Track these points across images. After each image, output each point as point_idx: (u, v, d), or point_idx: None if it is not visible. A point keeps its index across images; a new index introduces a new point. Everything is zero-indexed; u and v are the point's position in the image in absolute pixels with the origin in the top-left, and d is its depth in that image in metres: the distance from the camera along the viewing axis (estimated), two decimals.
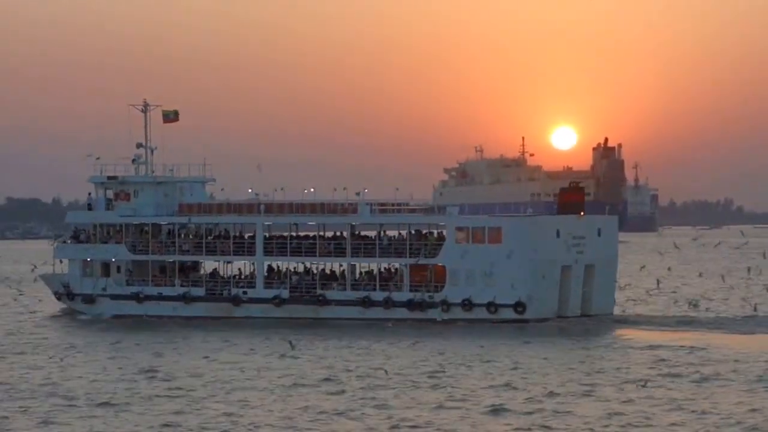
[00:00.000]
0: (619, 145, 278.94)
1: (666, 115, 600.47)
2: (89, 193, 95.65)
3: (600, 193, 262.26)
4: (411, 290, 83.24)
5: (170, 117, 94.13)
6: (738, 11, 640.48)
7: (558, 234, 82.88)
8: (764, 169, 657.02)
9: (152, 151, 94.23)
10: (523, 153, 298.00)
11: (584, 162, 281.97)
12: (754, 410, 45.74)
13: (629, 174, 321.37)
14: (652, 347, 68.91)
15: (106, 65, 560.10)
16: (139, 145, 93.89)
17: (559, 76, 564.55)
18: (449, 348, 68.15)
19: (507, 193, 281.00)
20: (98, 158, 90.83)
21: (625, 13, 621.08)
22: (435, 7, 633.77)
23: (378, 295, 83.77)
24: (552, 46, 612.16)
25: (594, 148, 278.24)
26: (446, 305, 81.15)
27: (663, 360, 62.24)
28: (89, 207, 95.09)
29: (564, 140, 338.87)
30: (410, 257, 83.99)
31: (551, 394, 49.96)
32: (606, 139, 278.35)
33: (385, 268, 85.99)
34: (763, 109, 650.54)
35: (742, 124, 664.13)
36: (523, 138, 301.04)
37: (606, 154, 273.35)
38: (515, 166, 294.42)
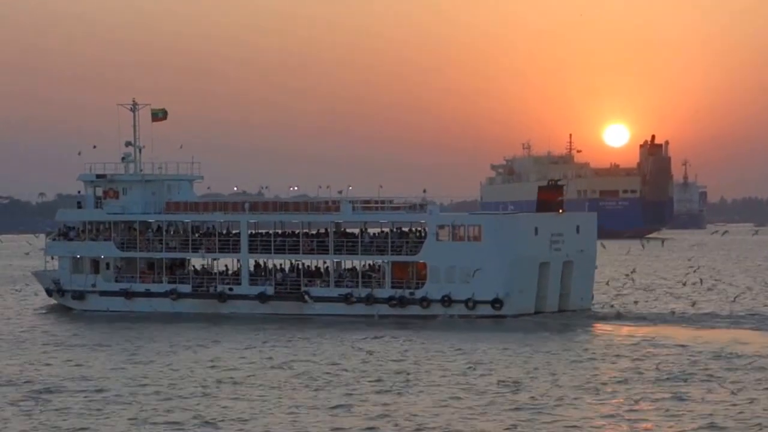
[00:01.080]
0: (666, 143, 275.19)
1: (718, 112, 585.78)
2: (79, 191, 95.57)
3: (646, 190, 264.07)
4: (392, 287, 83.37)
5: (159, 116, 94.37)
6: None
7: (536, 231, 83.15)
8: None
9: (140, 150, 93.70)
10: (570, 150, 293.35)
11: (633, 159, 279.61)
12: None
13: (677, 171, 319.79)
14: (610, 342, 68.96)
15: (96, 61, 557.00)
16: (127, 144, 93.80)
17: (609, 74, 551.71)
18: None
19: None
20: (80, 153, 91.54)
21: (675, 9, 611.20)
22: (483, 2, 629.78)
23: (361, 292, 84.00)
24: (602, 43, 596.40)
25: (641, 146, 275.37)
26: (427, 302, 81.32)
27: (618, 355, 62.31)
28: (78, 205, 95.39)
29: (616, 137, 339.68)
30: (392, 254, 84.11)
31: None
32: (653, 137, 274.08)
33: (369, 265, 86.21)
34: None
35: None
36: (570, 135, 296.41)
37: (653, 151, 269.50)
38: (562, 163, 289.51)
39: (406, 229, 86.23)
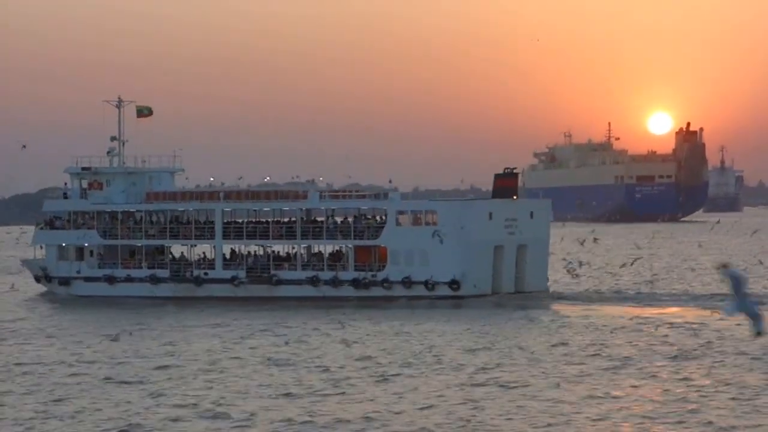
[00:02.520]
0: (701, 129, 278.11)
1: (759, 99, 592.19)
2: (65, 183, 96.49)
3: (681, 175, 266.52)
4: (356, 270, 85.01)
5: (144, 113, 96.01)
6: None
7: (491, 216, 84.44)
8: None
9: (124, 144, 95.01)
10: (609, 137, 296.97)
11: (664, 146, 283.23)
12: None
13: (714, 157, 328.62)
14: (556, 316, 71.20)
15: (84, 59, 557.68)
16: (112, 138, 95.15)
17: (652, 64, 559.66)
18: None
19: (592, 175, 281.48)
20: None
21: (710, 2, 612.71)
22: None
23: (326, 275, 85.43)
24: (644, 34, 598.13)
25: (677, 133, 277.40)
26: (388, 283, 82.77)
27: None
28: (65, 196, 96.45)
29: (659, 126, 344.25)
30: (355, 239, 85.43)
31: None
32: (688, 124, 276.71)
33: (336, 250, 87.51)
34: None
35: None
36: (609, 123, 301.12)
37: (687, 138, 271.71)
38: (601, 150, 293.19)
39: (370, 216, 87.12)
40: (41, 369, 53.19)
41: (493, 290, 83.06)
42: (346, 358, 54.86)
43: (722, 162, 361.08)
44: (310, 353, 57.02)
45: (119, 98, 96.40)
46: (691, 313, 72.60)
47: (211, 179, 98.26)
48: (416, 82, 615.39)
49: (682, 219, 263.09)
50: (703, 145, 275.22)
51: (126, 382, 49.37)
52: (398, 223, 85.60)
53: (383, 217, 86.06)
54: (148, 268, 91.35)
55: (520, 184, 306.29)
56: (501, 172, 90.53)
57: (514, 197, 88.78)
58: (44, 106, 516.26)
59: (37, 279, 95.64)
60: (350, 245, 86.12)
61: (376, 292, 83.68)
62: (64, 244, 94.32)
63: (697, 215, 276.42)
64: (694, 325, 64.94)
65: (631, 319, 68.68)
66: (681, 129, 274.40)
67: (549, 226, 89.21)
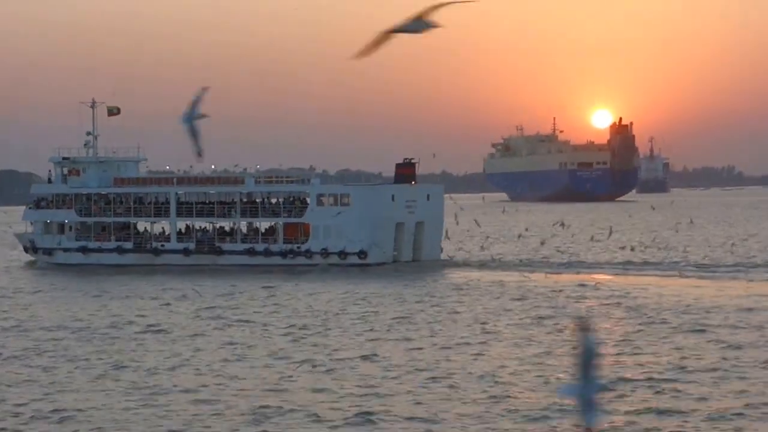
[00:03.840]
0: (631, 123, 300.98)
1: (685, 98, 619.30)
2: (49, 170, 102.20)
3: (614, 162, 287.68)
4: (285, 242, 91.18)
5: (113, 112, 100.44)
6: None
7: (393, 198, 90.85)
8: (761, 138, 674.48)
9: (96, 138, 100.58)
10: (554, 130, 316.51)
11: (602, 137, 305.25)
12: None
13: (644, 146, 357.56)
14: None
15: (64, 64, 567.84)
16: (88, 133, 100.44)
17: (592, 68, 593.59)
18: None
19: (541, 162, 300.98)
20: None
21: (644, 15, 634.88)
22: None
23: (260, 247, 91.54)
24: (587, 43, 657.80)
25: (611, 126, 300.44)
26: (309, 254, 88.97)
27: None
28: (49, 180, 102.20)
29: (601, 120, 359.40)
30: (284, 217, 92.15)
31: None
32: (620, 119, 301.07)
33: (270, 226, 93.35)
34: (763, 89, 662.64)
35: (745, 102, 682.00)
36: (554, 118, 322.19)
37: (620, 131, 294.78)
38: (548, 141, 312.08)
39: (296, 198, 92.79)
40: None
41: (395, 259, 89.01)
42: (273, 314, 60.60)
43: (651, 151, 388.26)
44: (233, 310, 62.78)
45: (93, 100, 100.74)
46: (568, 278, 77.81)
47: (167, 167, 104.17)
48: (381, 78, 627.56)
49: (617, 199, 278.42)
50: (633, 136, 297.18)
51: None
52: (320, 204, 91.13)
53: (306, 199, 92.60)
54: (116, 240, 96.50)
55: (480, 170, 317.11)
56: (401, 161, 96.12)
57: (413, 183, 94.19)
58: (32, 104, 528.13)
59: (26, 249, 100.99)
60: (281, 222, 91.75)
61: (300, 260, 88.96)
62: (48, 221, 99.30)
63: (630, 195, 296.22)
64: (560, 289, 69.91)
65: (517, 283, 73.91)
66: (614, 123, 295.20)
67: (443, 207, 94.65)
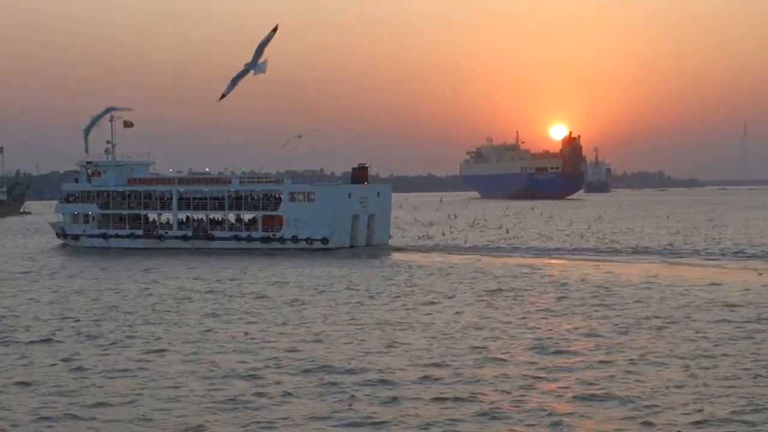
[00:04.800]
0: (579, 136, 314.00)
1: (624, 115, 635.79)
2: (77, 171, 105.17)
3: (566, 167, 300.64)
4: (263, 230, 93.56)
5: (128, 125, 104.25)
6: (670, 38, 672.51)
7: (350, 195, 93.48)
8: (684, 148, 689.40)
9: (114, 146, 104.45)
10: (517, 141, 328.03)
11: (557, 147, 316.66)
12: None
13: (590, 154, 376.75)
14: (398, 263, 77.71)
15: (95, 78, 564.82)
16: (107, 142, 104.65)
17: (551, 89, 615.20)
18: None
19: (506, 167, 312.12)
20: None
21: (594, 45, 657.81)
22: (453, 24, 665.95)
23: (244, 234, 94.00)
24: (547, 66, 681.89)
25: (563, 139, 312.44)
26: (283, 240, 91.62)
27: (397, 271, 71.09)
28: (76, 180, 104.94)
29: (557, 133, 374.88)
30: (263, 210, 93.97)
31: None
32: (570, 132, 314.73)
33: (252, 217, 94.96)
34: (688, 105, 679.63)
35: (673, 120, 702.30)
36: (517, 132, 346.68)
37: (570, 142, 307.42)
38: (512, 150, 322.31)
39: (272, 195, 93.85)
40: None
41: (351, 244, 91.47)
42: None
43: (596, 158, 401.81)
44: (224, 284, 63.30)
45: (111, 115, 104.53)
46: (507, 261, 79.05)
47: (170, 170, 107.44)
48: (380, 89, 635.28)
49: (567, 197, 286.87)
50: (580, 147, 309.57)
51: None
52: (292, 200, 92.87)
53: (280, 196, 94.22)
54: (129, 228, 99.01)
55: (457, 173, 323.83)
56: (356, 166, 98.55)
57: (366, 183, 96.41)
58: (62, 114, 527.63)
59: (58, 235, 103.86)
60: (260, 214, 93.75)
61: (275, 245, 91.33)
62: (75, 213, 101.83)
63: (578, 195, 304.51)
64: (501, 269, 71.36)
65: (451, 265, 75.30)
66: (565, 136, 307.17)
67: (390, 202, 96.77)
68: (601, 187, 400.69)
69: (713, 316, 46.75)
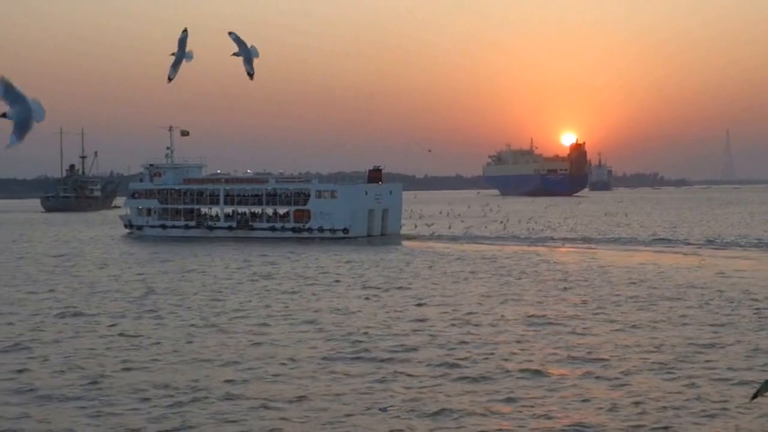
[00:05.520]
0: (584, 143, 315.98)
1: (623, 125, 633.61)
2: (142, 170, 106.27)
3: (572, 168, 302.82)
4: (294, 222, 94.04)
5: (184, 134, 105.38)
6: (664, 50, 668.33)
7: (366, 193, 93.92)
8: (676, 151, 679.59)
9: (172, 151, 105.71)
10: (531, 147, 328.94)
11: (565, 152, 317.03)
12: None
13: (595, 158, 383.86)
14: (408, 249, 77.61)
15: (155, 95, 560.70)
16: (167, 148, 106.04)
17: (563, 101, 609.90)
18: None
19: (522, 169, 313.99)
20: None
21: (602, 64, 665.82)
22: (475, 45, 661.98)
23: (278, 225, 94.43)
24: (558, 81, 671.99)
25: (570, 145, 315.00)
26: (311, 230, 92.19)
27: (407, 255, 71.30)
28: (141, 180, 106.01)
29: (567, 140, 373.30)
30: (294, 205, 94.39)
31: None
32: (577, 139, 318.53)
33: (285, 211, 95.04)
34: (678, 115, 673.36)
35: (667, 127, 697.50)
36: (531, 138, 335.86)
37: (576, 148, 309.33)
38: (527, 154, 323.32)
39: (302, 193, 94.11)
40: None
41: (368, 233, 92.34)
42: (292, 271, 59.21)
43: (599, 161, 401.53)
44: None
45: (170, 126, 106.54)
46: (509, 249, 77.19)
47: (218, 171, 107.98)
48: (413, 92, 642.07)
49: (574, 195, 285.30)
50: (585, 152, 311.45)
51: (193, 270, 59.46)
52: (318, 196, 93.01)
53: (309, 193, 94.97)
54: (184, 220, 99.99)
55: (479, 173, 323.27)
56: (372, 167, 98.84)
57: (380, 182, 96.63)
58: (149, 122, 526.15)
59: (126, 226, 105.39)
60: (292, 209, 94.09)
61: (304, 234, 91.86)
62: (140, 207, 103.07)
63: (583, 193, 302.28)
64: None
65: (458, 252, 73.40)
66: (572, 144, 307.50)
67: (401, 198, 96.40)
68: (604, 186, 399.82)
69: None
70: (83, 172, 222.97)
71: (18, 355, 30.83)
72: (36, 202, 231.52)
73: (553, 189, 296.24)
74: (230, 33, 14.60)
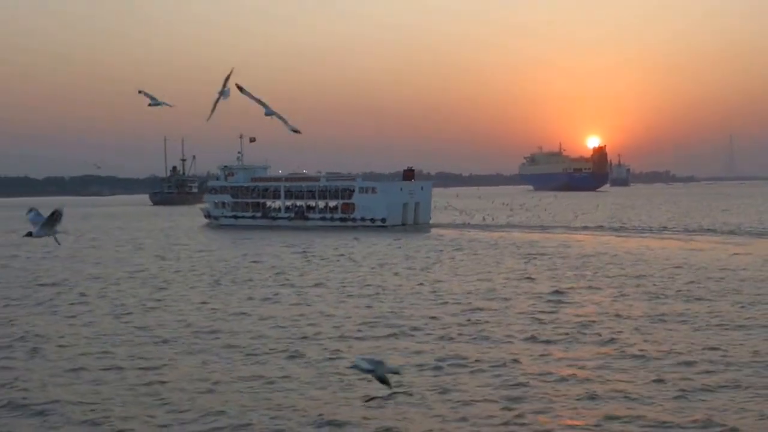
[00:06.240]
0: (605, 145, 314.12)
1: (641, 129, 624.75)
2: (218, 171, 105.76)
3: (595, 167, 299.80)
4: (341, 213, 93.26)
5: (252, 140, 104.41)
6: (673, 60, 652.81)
7: (401, 189, 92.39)
8: (685, 151, 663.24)
9: (242, 155, 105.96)
10: (560, 149, 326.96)
11: (589, 153, 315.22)
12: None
13: (615, 158, 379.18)
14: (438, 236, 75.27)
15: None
16: (238, 152, 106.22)
17: (589, 108, 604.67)
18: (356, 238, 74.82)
19: (552, 169, 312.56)
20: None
21: (622, 76, 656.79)
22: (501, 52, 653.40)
23: (328, 216, 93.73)
24: (585, 92, 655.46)
25: (593, 147, 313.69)
26: (355, 220, 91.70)
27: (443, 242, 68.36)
28: (217, 179, 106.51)
29: (592, 143, 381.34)
30: (341, 199, 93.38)
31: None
32: (599, 143, 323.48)
33: (334, 204, 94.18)
34: (691, 116, 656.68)
35: (678, 131, 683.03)
36: (560, 142, 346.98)
37: (598, 150, 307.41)
38: (557, 156, 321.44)
39: (348, 189, 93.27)
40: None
41: (402, 223, 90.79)
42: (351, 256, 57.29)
43: (619, 161, 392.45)
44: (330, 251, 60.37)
45: (241, 134, 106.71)
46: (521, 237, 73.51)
47: (279, 171, 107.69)
48: (451, 97, 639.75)
49: (596, 190, 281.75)
50: (606, 154, 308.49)
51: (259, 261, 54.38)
52: (361, 192, 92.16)
53: (353, 189, 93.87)
54: (252, 212, 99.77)
55: (516, 171, 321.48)
56: (406, 169, 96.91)
57: (413, 180, 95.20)
58: (215, 138, 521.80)
59: (205, 216, 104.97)
60: (340, 202, 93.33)
61: (349, 224, 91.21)
62: (216, 201, 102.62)
63: (605, 188, 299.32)
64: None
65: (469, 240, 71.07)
66: (595, 147, 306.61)
67: (431, 194, 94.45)
68: (623, 182, 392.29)
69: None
70: (183, 173, 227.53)
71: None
72: (146, 197, 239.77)
73: (578, 185, 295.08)
74: (268, 113, 12.95)
